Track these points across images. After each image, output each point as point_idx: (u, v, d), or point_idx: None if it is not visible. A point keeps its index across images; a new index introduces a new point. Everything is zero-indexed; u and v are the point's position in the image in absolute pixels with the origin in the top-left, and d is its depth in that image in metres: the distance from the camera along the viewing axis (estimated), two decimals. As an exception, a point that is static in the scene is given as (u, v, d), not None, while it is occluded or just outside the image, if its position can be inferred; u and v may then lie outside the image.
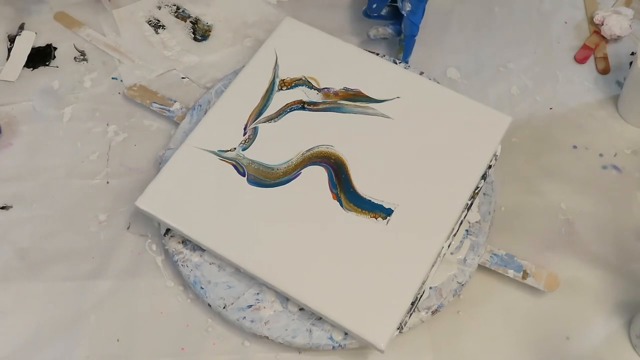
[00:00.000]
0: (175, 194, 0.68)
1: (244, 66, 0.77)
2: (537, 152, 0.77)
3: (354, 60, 0.76)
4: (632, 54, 0.84)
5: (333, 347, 0.64)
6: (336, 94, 0.74)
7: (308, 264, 0.64)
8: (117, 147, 0.77)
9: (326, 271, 0.64)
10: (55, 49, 0.84)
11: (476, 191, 0.69)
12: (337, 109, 0.73)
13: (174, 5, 0.88)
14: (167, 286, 0.69)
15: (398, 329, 0.63)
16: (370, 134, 0.71)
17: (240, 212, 0.67)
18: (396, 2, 0.77)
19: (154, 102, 0.78)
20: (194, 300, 0.68)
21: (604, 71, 0.83)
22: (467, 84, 0.82)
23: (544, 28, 0.86)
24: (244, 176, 0.69)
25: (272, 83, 0.75)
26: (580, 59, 0.84)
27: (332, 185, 0.68)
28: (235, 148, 0.71)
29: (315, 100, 0.74)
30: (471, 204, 0.68)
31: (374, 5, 0.78)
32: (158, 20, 0.87)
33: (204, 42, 0.85)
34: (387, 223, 0.66)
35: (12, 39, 0.84)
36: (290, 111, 0.73)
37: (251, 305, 0.65)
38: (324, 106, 0.73)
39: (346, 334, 0.64)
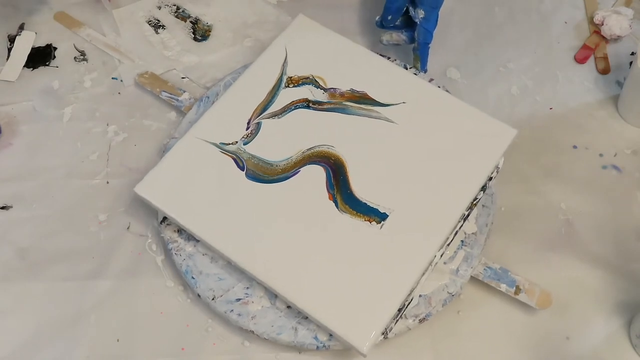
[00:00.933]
0: (174, 183, 0.69)
1: (253, 62, 0.77)
2: (537, 152, 0.77)
3: (363, 62, 0.76)
4: (632, 54, 0.84)
5: (317, 347, 0.64)
6: (342, 94, 0.74)
7: (298, 262, 0.64)
8: (117, 147, 0.77)
9: (316, 271, 0.64)
10: (55, 49, 0.84)
11: (474, 202, 0.68)
12: (342, 109, 0.73)
13: (174, 5, 0.88)
14: (167, 286, 0.69)
15: (383, 334, 0.62)
16: (372, 137, 0.71)
17: (237, 206, 0.67)
18: (409, 12, 0.77)
19: (164, 91, 0.79)
20: (194, 300, 0.68)
21: (604, 71, 0.83)
22: (467, 84, 0.82)
23: (544, 28, 0.86)
24: (243, 170, 0.69)
25: (280, 80, 0.75)
26: (580, 59, 0.84)
27: (330, 186, 0.68)
28: (237, 142, 0.71)
29: (320, 100, 0.74)
30: (468, 214, 0.68)
31: (389, 17, 0.77)
32: (158, 20, 0.87)
33: (204, 42, 0.85)
34: (381, 227, 0.66)
35: (12, 39, 0.84)
36: (294, 109, 0.73)
37: (240, 299, 0.66)
38: (329, 106, 0.73)
39: (331, 335, 0.64)
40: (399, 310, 0.63)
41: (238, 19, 0.87)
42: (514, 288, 0.67)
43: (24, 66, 0.83)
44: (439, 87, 0.75)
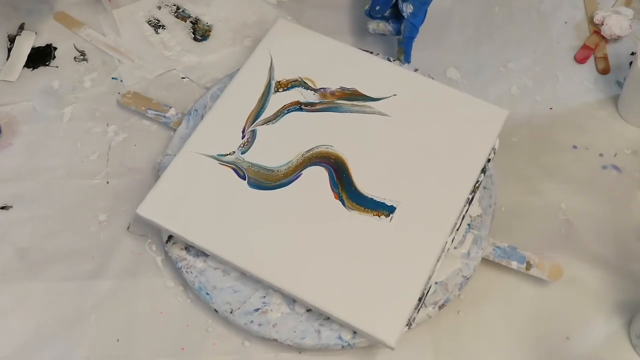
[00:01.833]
0: (176, 200, 0.68)
1: (238, 69, 0.77)
2: (537, 152, 0.77)
3: (349, 60, 0.76)
4: (632, 54, 0.84)
5: (342, 347, 0.64)
6: (333, 93, 0.74)
7: (314, 265, 0.64)
8: (117, 147, 0.77)
9: (332, 271, 0.64)
10: (55, 49, 0.84)
11: (477, 185, 0.69)
12: (335, 108, 0.73)
13: (174, 5, 0.88)
14: (167, 286, 0.69)
15: (407, 325, 0.63)
16: (368, 132, 0.71)
17: (243, 215, 0.67)
18: (398, 4, 0.77)
19: (150, 109, 0.78)
20: (194, 300, 0.68)
21: (604, 71, 0.83)
22: (467, 84, 0.82)
23: (544, 28, 0.86)
24: (245, 179, 0.69)
25: (268, 85, 0.74)
26: (580, 59, 0.84)
27: (334, 185, 0.68)
28: (234, 152, 0.70)
29: (312, 101, 0.73)
30: (472, 198, 0.69)
31: (377, 7, 0.78)
32: (158, 20, 0.87)
33: (204, 42, 0.85)
34: (391, 220, 0.66)
35: (12, 39, 0.84)
36: (287, 112, 0.73)
37: (258, 309, 0.65)
38: (321, 106, 0.73)
39: (355, 332, 0.64)
40: (419, 299, 0.63)
41: (238, 19, 0.87)
42: (525, 264, 0.68)
43: (24, 66, 0.83)
44: (425, 76, 0.76)
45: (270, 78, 0.75)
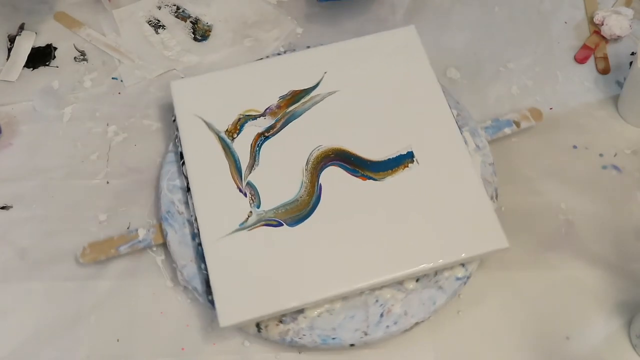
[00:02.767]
0: (241, 288, 0.64)
1: (168, 151, 0.74)
2: (537, 152, 0.77)
3: (264, 74, 0.76)
4: (632, 54, 0.84)
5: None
6: (279, 107, 0.74)
7: (391, 244, 0.65)
8: (117, 147, 0.77)
9: (409, 235, 0.66)
10: (55, 49, 0.84)
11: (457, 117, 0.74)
12: (292, 117, 0.73)
13: (174, 5, 0.88)
14: (167, 286, 0.69)
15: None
16: (337, 114, 0.73)
17: (304, 253, 0.65)
18: None
19: (120, 246, 0.69)
20: (194, 300, 0.68)
21: (604, 71, 0.83)
22: (467, 84, 0.82)
23: (544, 28, 0.86)
24: (282, 225, 0.67)
25: (221, 139, 0.72)
26: (580, 59, 0.84)
27: (354, 172, 0.69)
28: (251, 212, 0.68)
29: (269, 125, 0.73)
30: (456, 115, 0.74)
31: None
32: (158, 20, 0.87)
33: (204, 42, 0.85)
34: (418, 162, 0.70)
35: (12, 39, 0.84)
36: (259, 147, 0.71)
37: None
38: (281, 122, 0.73)
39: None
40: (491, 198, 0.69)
41: (238, 19, 0.87)
42: (514, 125, 0.76)
43: (24, 66, 0.83)
44: (329, 43, 0.78)
45: (216, 133, 0.72)
